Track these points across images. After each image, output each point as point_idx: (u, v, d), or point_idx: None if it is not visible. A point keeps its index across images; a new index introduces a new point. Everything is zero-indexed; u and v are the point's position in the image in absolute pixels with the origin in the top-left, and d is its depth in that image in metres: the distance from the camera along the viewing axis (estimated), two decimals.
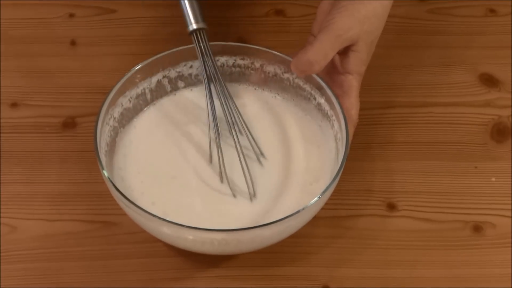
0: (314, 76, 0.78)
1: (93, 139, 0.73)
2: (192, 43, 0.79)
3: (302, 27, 0.96)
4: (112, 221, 0.78)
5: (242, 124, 0.77)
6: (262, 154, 0.77)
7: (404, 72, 0.92)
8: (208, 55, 0.78)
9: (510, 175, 0.83)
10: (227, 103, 0.77)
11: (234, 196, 0.74)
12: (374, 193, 0.81)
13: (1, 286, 0.74)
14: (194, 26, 0.79)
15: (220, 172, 0.75)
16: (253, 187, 0.74)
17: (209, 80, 0.78)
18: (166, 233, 0.70)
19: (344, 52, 0.77)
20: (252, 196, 0.74)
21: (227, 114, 0.77)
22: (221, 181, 0.75)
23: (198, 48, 0.78)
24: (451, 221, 0.79)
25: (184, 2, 0.79)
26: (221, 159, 0.75)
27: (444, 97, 0.90)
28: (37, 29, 0.95)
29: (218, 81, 0.78)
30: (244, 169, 0.74)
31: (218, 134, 0.77)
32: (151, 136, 0.80)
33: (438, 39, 0.95)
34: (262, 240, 0.71)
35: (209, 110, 0.77)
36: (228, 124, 0.77)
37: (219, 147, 0.76)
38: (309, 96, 0.80)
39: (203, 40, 0.79)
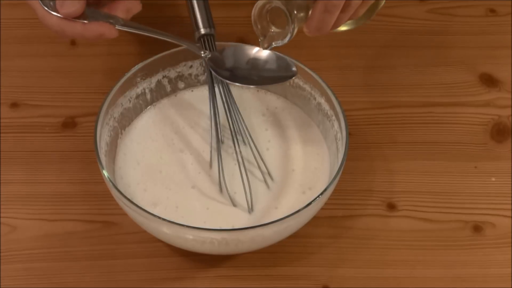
0: (314, 76, 0.78)
1: (93, 139, 0.73)
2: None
3: (301, 27, 0.96)
4: (112, 221, 0.78)
5: (245, 133, 0.77)
6: (269, 174, 0.76)
7: (404, 72, 0.92)
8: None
9: (510, 175, 0.83)
10: (231, 110, 0.77)
11: (234, 205, 0.74)
12: (374, 193, 0.81)
13: (1, 286, 0.74)
14: (202, 31, 0.78)
15: (220, 183, 0.75)
16: (251, 202, 0.74)
17: (215, 88, 0.78)
18: (166, 233, 0.70)
19: None
20: (250, 210, 0.74)
21: (230, 122, 0.77)
22: (220, 191, 0.75)
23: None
24: (451, 221, 0.79)
25: (193, 4, 0.79)
26: (221, 170, 0.75)
27: (444, 97, 0.90)
28: (37, 29, 0.95)
29: (224, 91, 0.77)
30: (244, 183, 0.74)
31: (219, 141, 0.77)
32: (152, 137, 0.80)
33: (438, 39, 0.95)
34: (262, 240, 0.71)
35: (212, 118, 0.77)
36: (231, 132, 0.77)
37: (219, 155, 0.76)
38: (309, 96, 0.80)
39: (212, 46, 0.78)
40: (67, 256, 0.76)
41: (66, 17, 0.71)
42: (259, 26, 0.72)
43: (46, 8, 0.71)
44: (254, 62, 0.75)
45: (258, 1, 0.70)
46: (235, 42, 0.82)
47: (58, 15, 0.71)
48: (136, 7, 0.75)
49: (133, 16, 0.97)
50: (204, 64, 0.81)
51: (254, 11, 0.70)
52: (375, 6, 0.76)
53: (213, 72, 0.75)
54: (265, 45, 0.73)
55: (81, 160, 0.83)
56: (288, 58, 0.75)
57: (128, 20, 0.74)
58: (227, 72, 0.75)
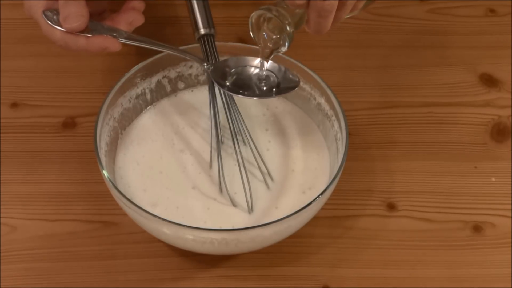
0: (314, 76, 0.78)
1: (93, 139, 0.73)
2: (191, 44, 0.79)
3: (301, 27, 0.96)
4: (112, 221, 0.78)
5: (245, 134, 0.77)
6: (269, 175, 0.76)
7: (404, 72, 0.92)
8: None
9: (510, 175, 0.83)
10: (231, 110, 0.77)
11: (234, 205, 0.74)
12: (374, 193, 0.81)
13: (1, 286, 0.74)
14: (202, 31, 0.78)
15: (220, 183, 0.75)
16: (251, 203, 0.74)
17: (215, 88, 0.78)
18: (166, 233, 0.70)
19: None
20: (250, 210, 0.74)
21: (230, 122, 0.77)
22: (220, 191, 0.75)
23: (205, 55, 0.78)
24: (451, 221, 0.79)
25: (193, 4, 0.79)
26: (221, 171, 0.75)
27: (444, 97, 0.90)
28: (37, 29, 0.95)
29: (224, 91, 0.77)
30: (244, 183, 0.74)
31: (219, 142, 0.77)
32: (152, 137, 0.80)
33: (438, 39, 0.95)
34: (262, 240, 0.71)
35: (212, 118, 0.77)
36: (231, 132, 0.77)
37: (219, 156, 0.76)
38: (309, 96, 0.80)
39: (211, 46, 0.78)
40: (67, 256, 0.76)
41: (70, 32, 0.71)
42: (257, 35, 0.72)
43: (49, 23, 0.71)
44: (257, 74, 0.74)
45: (253, 13, 0.70)
46: (235, 42, 0.82)
47: (62, 29, 0.71)
48: (139, 20, 0.75)
49: None
50: (206, 76, 0.81)
51: (251, 20, 0.70)
52: None
53: (216, 84, 0.75)
54: (266, 54, 0.72)
55: (81, 160, 0.83)
56: (289, 70, 0.75)
57: (131, 32, 0.75)
58: (229, 84, 0.75)
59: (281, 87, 0.74)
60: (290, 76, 0.74)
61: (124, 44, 0.73)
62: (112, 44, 0.72)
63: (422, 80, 0.91)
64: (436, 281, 0.75)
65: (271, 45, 0.72)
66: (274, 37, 0.71)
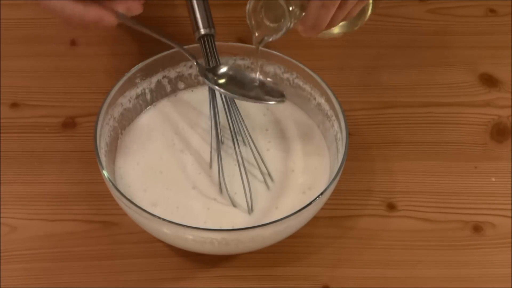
0: (314, 76, 0.78)
1: (93, 139, 0.73)
2: (191, 44, 0.79)
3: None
4: (112, 221, 0.78)
5: (245, 134, 0.77)
6: (269, 175, 0.76)
7: (404, 72, 0.92)
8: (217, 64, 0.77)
9: (510, 175, 0.83)
10: (231, 110, 0.77)
11: (234, 206, 0.74)
12: (374, 193, 0.81)
13: (1, 286, 0.74)
14: (202, 31, 0.78)
15: (220, 184, 0.75)
16: (251, 203, 0.74)
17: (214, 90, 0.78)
18: (166, 233, 0.70)
19: None
20: (250, 210, 0.74)
21: (230, 122, 0.77)
22: (220, 191, 0.75)
23: (205, 55, 0.78)
24: (451, 221, 0.79)
25: (193, 4, 0.79)
26: (221, 171, 0.75)
27: (444, 97, 0.90)
28: (37, 29, 0.95)
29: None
30: (244, 184, 0.74)
31: (219, 142, 0.77)
32: (151, 137, 0.80)
33: (438, 39, 0.95)
34: (262, 240, 0.71)
35: (212, 118, 0.77)
36: (231, 133, 0.77)
37: (219, 156, 0.76)
38: (309, 96, 0.80)
39: (211, 46, 0.78)
40: (67, 256, 0.76)
41: None
42: (253, 21, 0.72)
43: None
44: (252, 75, 0.75)
45: None
46: (235, 42, 0.82)
47: None
48: (137, 8, 0.75)
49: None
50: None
51: (249, 5, 0.70)
52: (364, 11, 0.77)
53: (206, 81, 0.75)
54: (259, 40, 0.72)
55: (81, 160, 0.83)
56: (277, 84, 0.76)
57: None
58: (224, 84, 0.75)
59: (268, 97, 0.75)
60: (278, 91, 0.75)
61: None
62: (108, 16, 0.71)
63: (422, 80, 0.91)
64: (436, 281, 0.75)
65: (266, 29, 0.72)
66: (270, 24, 0.71)
